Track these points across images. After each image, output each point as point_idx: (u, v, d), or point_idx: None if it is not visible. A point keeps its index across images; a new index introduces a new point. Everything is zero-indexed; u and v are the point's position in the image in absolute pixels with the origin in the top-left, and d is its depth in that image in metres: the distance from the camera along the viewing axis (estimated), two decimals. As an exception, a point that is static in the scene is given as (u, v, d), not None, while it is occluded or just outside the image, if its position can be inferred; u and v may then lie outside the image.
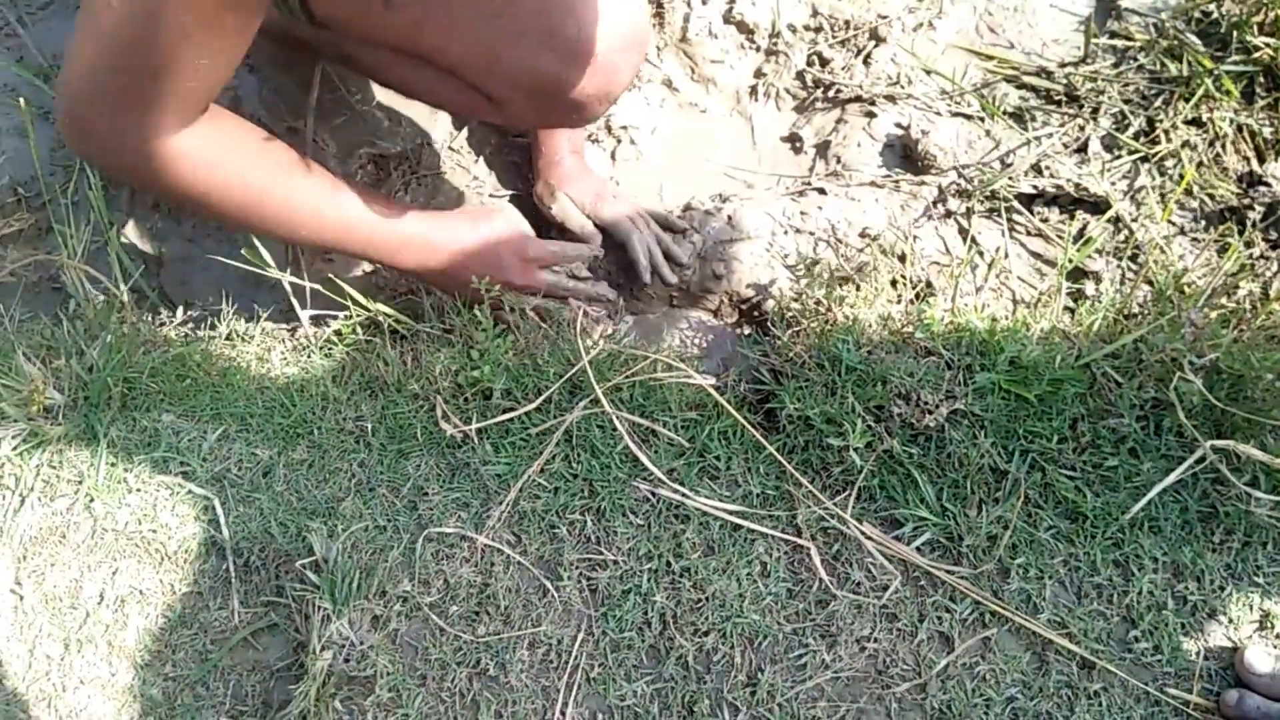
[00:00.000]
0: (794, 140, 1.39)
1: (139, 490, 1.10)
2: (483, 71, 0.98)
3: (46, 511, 1.10)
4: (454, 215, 1.16)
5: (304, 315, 1.22)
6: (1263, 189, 1.18)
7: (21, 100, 1.28)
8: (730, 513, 1.01)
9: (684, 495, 1.01)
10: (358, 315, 1.21)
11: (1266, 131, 1.21)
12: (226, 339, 1.23)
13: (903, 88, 1.35)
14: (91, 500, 1.10)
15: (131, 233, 1.38)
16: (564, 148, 1.29)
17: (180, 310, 1.32)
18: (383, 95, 1.39)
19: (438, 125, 1.41)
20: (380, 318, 1.19)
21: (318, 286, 1.21)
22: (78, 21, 0.87)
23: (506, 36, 0.95)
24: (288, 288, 1.18)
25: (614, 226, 1.26)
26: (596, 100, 1.02)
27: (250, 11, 0.85)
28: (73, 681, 1.03)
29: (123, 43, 0.83)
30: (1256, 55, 1.22)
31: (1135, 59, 1.30)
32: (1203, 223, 1.21)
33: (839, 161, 1.33)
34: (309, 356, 1.21)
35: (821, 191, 1.31)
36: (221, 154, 0.97)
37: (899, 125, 1.33)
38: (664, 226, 1.29)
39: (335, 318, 1.22)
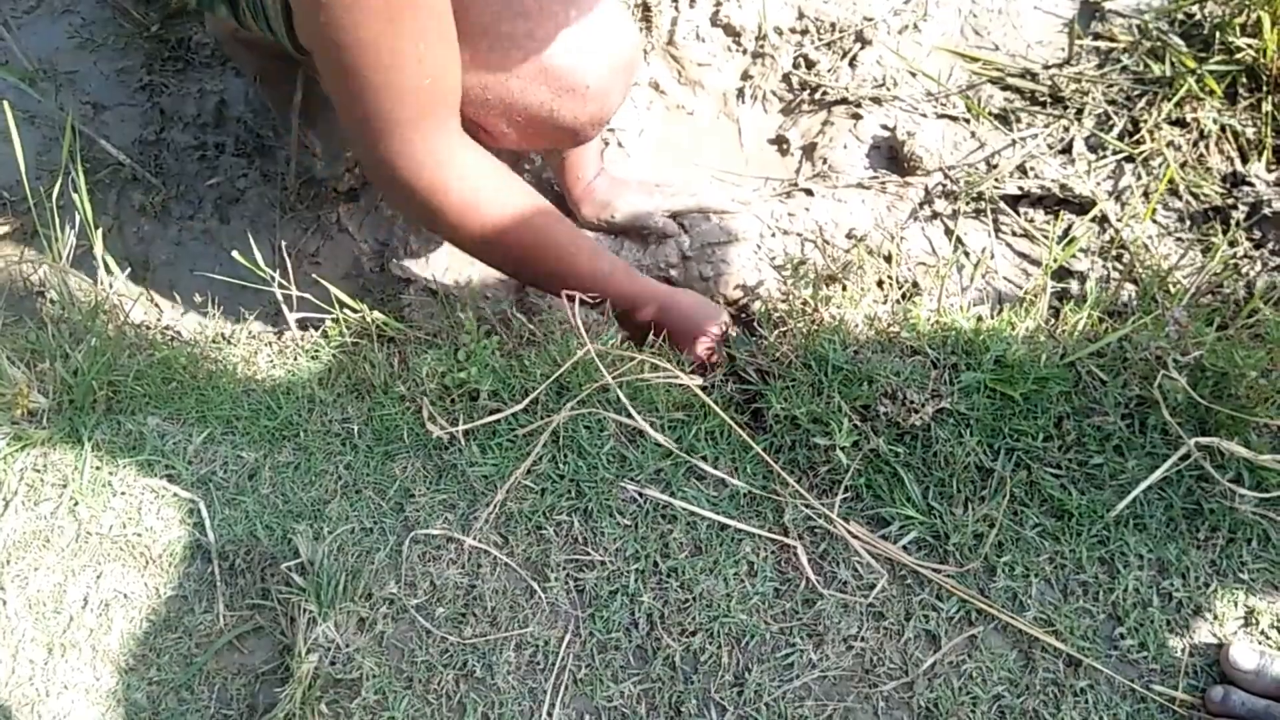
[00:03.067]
0: (781, 142, 1.40)
1: (124, 493, 1.10)
2: (471, 105, 0.98)
3: (30, 515, 1.10)
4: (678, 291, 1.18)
5: (291, 318, 1.22)
6: (1246, 188, 1.19)
7: (5, 104, 1.28)
8: (717, 513, 1.01)
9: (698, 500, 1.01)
10: (345, 318, 1.20)
11: (1249, 132, 1.22)
12: (212, 342, 1.23)
13: (888, 90, 1.35)
14: (76, 504, 1.09)
15: (117, 237, 1.38)
16: (590, 171, 1.28)
17: (166, 313, 1.32)
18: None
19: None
20: (367, 320, 1.19)
21: (306, 295, 1.21)
22: (333, 91, 0.88)
23: (497, 72, 0.95)
24: (277, 294, 1.18)
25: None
26: (590, 125, 1.02)
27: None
28: (56, 686, 1.03)
29: (360, 69, 0.83)
30: (1239, 56, 1.23)
31: (1119, 60, 1.31)
32: (1187, 222, 1.21)
33: (825, 163, 1.33)
34: (295, 359, 1.21)
35: (808, 193, 1.31)
36: (504, 183, 0.99)
37: (885, 127, 1.34)
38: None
39: (322, 320, 1.22)
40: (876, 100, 1.35)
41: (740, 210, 1.27)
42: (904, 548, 0.98)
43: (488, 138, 1.05)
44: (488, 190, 0.99)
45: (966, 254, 1.23)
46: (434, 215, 0.98)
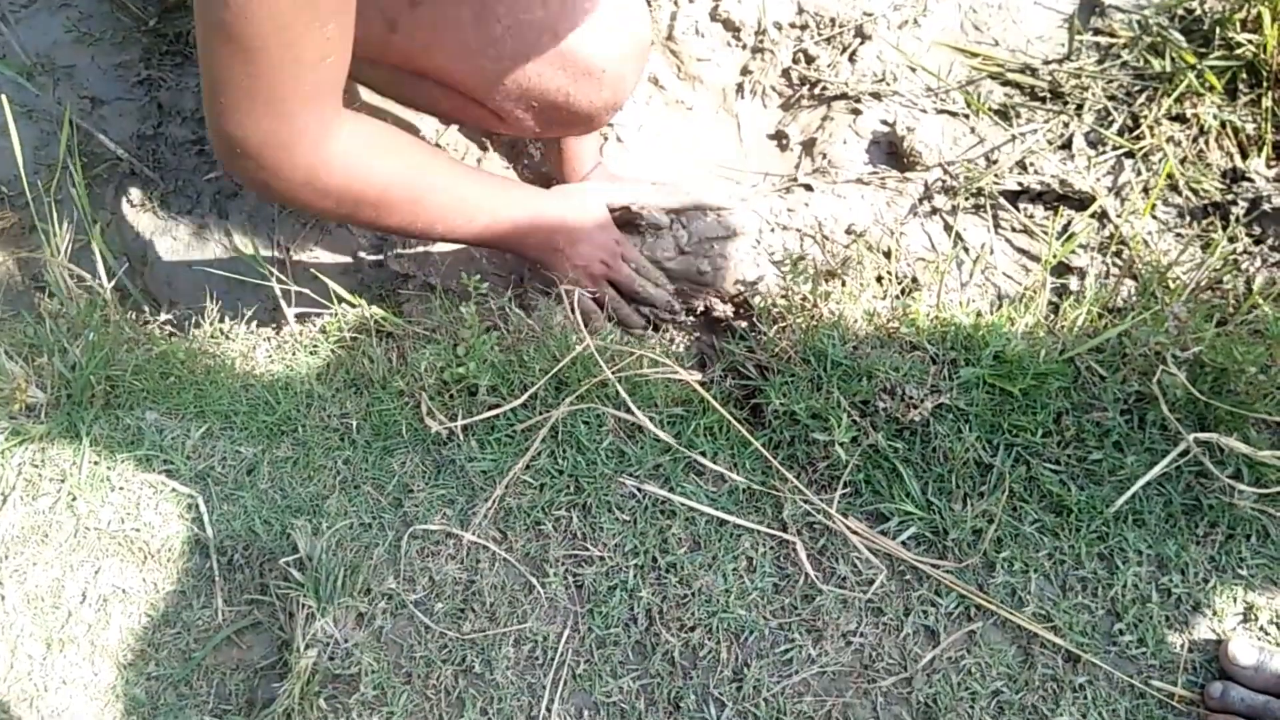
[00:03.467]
0: (780, 137, 1.39)
1: (122, 489, 1.10)
2: (489, 92, 0.98)
3: (29, 510, 1.09)
4: (557, 191, 1.14)
5: (289, 313, 1.22)
6: (1246, 184, 1.19)
7: (3, 99, 1.27)
8: (715, 508, 1.01)
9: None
10: (343, 313, 1.20)
11: (1249, 127, 1.22)
12: (210, 336, 1.22)
13: (888, 85, 1.35)
14: (74, 499, 1.09)
15: (115, 231, 1.38)
16: (587, 166, 1.28)
17: (164, 308, 1.32)
18: (369, 95, 1.38)
19: (424, 121, 1.40)
20: (365, 315, 1.19)
21: (305, 290, 1.21)
22: (201, 48, 0.81)
23: (513, 58, 0.95)
24: (276, 289, 1.18)
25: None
26: (604, 111, 1.02)
27: None
28: (55, 681, 1.03)
29: (248, 39, 0.76)
30: (1239, 51, 1.23)
31: (1119, 55, 1.30)
32: (1187, 218, 1.21)
33: (825, 158, 1.33)
34: (294, 354, 1.21)
35: (808, 188, 1.31)
36: (379, 150, 0.93)
37: (885, 122, 1.33)
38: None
39: (321, 315, 1.22)
40: (876, 95, 1.35)
41: (737, 206, 1.27)
42: (903, 543, 0.98)
43: (504, 126, 1.05)
44: (365, 158, 0.93)
45: (966, 249, 1.23)
46: (302, 189, 0.91)
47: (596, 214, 1.15)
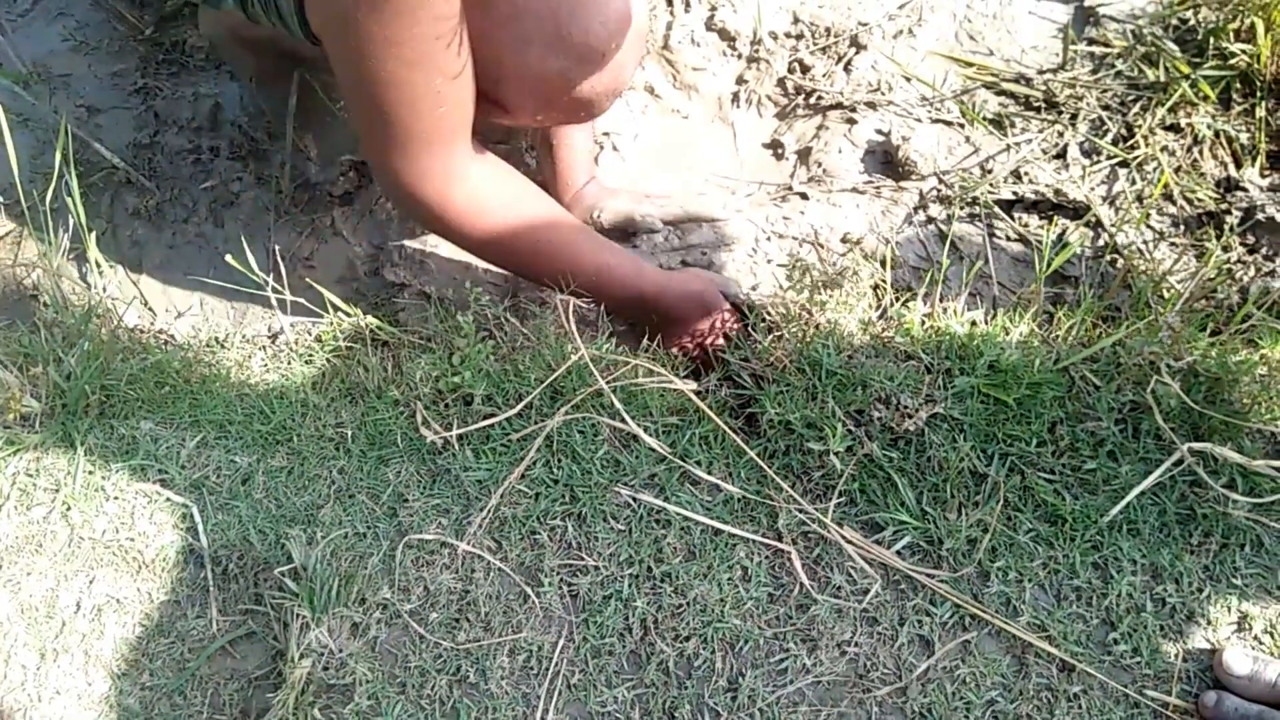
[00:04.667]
0: (776, 146, 1.40)
1: (116, 498, 1.09)
2: (491, 79, 0.98)
3: (23, 520, 1.09)
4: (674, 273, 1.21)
5: (285, 322, 1.22)
6: (1240, 194, 1.19)
7: (0, 107, 1.27)
8: (710, 518, 1.01)
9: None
10: (338, 322, 1.20)
11: (1243, 137, 1.22)
12: (205, 346, 1.22)
13: (883, 94, 1.35)
14: (68, 508, 1.09)
15: (110, 240, 1.38)
16: (582, 177, 1.30)
17: (159, 317, 1.32)
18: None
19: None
20: (361, 324, 1.19)
21: (300, 300, 1.21)
22: (347, 98, 0.98)
23: (513, 44, 0.95)
24: (271, 298, 1.17)
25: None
26: (605, 96, 1.03)
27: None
28: (49, 692, 1.02)
29: (373, 92, 0.90)
30: (1232, 61, 1.23)
31: (1113, 65, 1.31)
32: (1181, 227, 1.22)
33: (820, 167, 1.34)
34: (289, 363, 1.21)
35: (803, 197, 1.31)
36: (511, 190, 1.08)
37: (880, 131, 1.34)
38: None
39: (316, 324, 1.22)
40: (871, 105, 1.35)
41: (733, 217, 1.28)
42: (898, 553, 0.98)
43: (504, 115, 1.05)
44: (491, 199, 1.05)
45: (961, 258, 1.23)
46: (437, 223, 1.06)
47: (698, 301, 1.18)
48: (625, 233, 1.29)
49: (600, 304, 1.18)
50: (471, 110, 0.99)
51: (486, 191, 1.05)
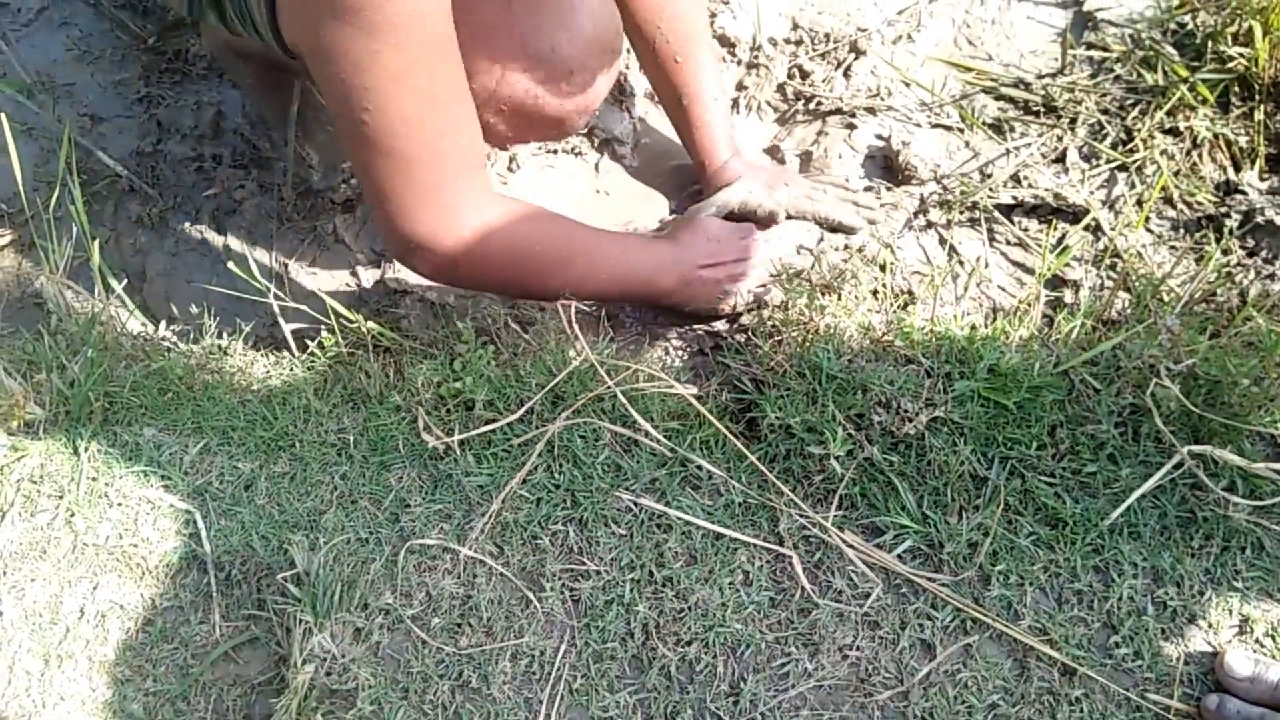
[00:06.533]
0: (776, 152, 1.40)
1: (120, 504, 1.10)
2: None
3: (27, 526, 1.10)
4: (657, 237, 1.21)
5: (287, 329, 1.22)
6: (1239, 197, 1.19)
7: (3, 116, 1.28)
8: (712, 522, 1.01)
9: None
10: (340, 328, 1.21)
11: (1242, 140, 1.23)
12: (208, 352, 1.23)
13: (883, 99, 1.36)
14: (72, 515, 1.09)
15: (114, 248, 1.38)
16: (725, 153, 1.28)
17: (162, 324, 1.32)
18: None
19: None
20: (363, 330, 1.19)
21: (302, 307, 1.21)
22: (353, 152, 0.89)
23: (481, 62, 0.95)
24: (274, 305, 1.18)
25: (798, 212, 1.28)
26: (575, 115, 1.02)
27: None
28: (53, 697, 1.03)
29: (395, 130, 0.85)
30: (1231, 65, 1.24)
31: (1112, 69, 1.31)
32: (1180, 230, 1.22)
33: (821, 173, 1.34)
34: (291, 369, 1.21)
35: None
36: (524, 218, 1.02)
37: (879, 137, 1.34)
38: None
39: (318, 330, 1.23)
40: (871, 110, 1.36)
41: (863, 228, 1.26)
42: (899, 557, 0.99)
43: None
44: (513, 228, 1.02)
45: (961, 263, 1.24)
46: (471, 267, 1.02)
47: (703, 231, 1.18)
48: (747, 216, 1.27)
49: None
50: (480, 142, 0.96)
51: (508, 217, 1.01)
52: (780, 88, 1.43)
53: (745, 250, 1.18)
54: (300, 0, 0.86)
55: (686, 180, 1.40)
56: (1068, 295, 1.19)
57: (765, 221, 1.25)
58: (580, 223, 1.12)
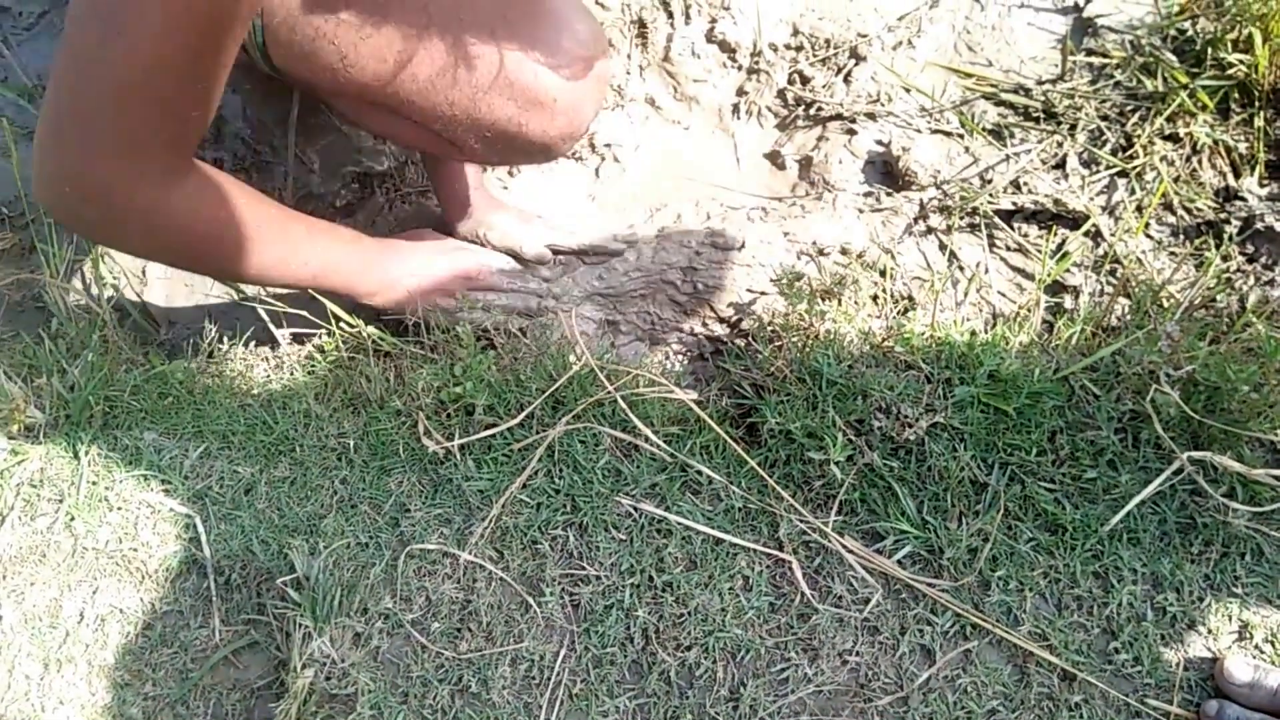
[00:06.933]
0: (776, 158, 1.40)
1: (120, 508, 1.10)
2: (445, 122, 0.97)
3: (27, 530, 1.10)
4: (419, 249, 1.17)
5: (280, 335, 1.22)
6: (1239, 203, 1.19)
7: (4, 120, 1.28)
8: (712, 527, 1.01)
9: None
10: (340, 332, 1.21)
11: (1242, 146, 1.23)
12: (209, 357, 1.23)
13: (883, 105, 1.36)
14: (72, 519, 1.09)
15: (114, 252, 1.38)
16: (471, 183, 1.26)
17: (162, 328, 1.32)
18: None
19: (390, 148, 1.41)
20: (363, 334, 1.19)
21: (302, 312, 1.21)
22: (62, 82, 0.81)
23: (464, 88, 0.94)
24: (263, 314, 1.18)
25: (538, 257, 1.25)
26: (561, 140, 1.01)
27: (244, 23, 0.80)
28: (52, 702, 1.03)
29: (128, 82, 0.77)
30: (1231, 71, 1.24)
31: (1112, 76, 1.32)
32: (1180, 236, 1.22)
33: (821, 178, 1.34)
34: (291, 374, 1.21)
35: (803, 208, 1.32)
36: (219, 197, 0.94)
37: (880, 142, 1.34)
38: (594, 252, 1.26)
39: (317, 335, 1.23)
40: (871, 116, 1.36)
41: (623, 249, 1.24)
42: (899, 562, 0.99)
43: (462, 155, 1.04)
44: (202, 205, 0.94)
45: (961, 268, 1.24)
46: (123, 229, 0.92)
47: (459, 266, 1.17)
48: (518, 257, 1.25)
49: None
50: (210, 119, 0.88)
51: (201, 195, 0.93)
52: (780, 93, 1.43)
53: (459, 268, 1.18)
54: None
55: (686, 184, 1.40)
56: (1067, 301, 1.19)
57: (535, 260, 1.25)
58: (289, 210, 1.05)
